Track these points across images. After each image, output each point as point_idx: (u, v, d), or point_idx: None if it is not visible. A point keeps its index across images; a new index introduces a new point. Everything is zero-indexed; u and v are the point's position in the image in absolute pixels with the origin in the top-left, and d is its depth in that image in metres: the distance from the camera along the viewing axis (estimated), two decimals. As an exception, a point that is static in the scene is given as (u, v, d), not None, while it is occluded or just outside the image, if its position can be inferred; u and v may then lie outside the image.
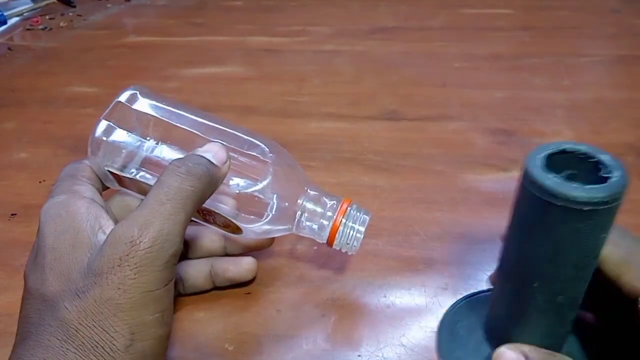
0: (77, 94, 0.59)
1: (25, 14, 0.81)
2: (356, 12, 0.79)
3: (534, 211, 0.23)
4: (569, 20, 0.73)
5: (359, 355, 0.30)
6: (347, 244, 0.32)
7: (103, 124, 0.30)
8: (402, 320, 0.32)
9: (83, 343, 0.23)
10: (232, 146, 0.30)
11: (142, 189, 0.31)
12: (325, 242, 0.32)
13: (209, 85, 0.60)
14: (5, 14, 0.76)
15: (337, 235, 0.31)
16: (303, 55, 0.66)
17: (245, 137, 0.31)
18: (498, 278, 0.28)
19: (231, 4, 0.83)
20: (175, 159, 0.26)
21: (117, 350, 0.23)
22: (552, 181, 0.21)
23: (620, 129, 0.50)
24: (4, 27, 0.77)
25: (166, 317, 0.25)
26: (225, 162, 0.28)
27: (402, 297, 0.34)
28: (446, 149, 0.47)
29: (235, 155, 0.30)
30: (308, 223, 0.32)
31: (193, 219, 0.31)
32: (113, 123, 0.30)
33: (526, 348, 0.26)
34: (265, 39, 0.71)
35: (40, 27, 0.77)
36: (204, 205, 0.29)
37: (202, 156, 0.27)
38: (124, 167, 0.30)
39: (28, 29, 0.77)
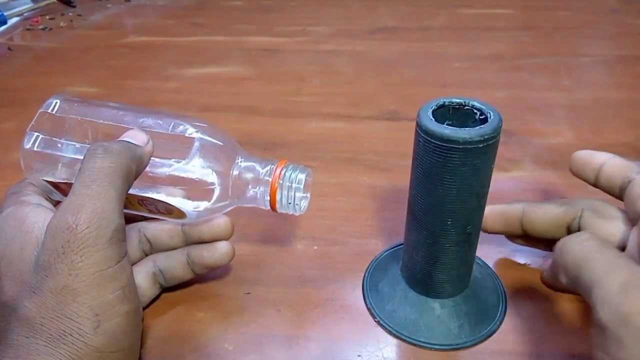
0: (77, 94, 0.59)
1: (25, 14, 0.81)
2: (356, 12, 0.79)
3: (438, 159, 0.26)
4: (569, 20, 0.73)
5: (359, 355, 0.30)
6: (289, 204, 0.32)
7: (31, 136, 0.30)
8: (402, 320, 0.32)
9: (51, 335, 0.23)
10: (157, 130, 0.30)
11: None
12: (269, 208, 0.32)
13: (209, 85, 0.60)
14: (5, 14, 0.76)
15: (277, 198, 0.31)
16: (303, 55, 0.66)
17: (170, 119, 0.31)
18: (410, 228, 0.31)
19: (231, 4, 0.83)
20: (91, 144, 0.27)
21: (86, 334, 0.23)
22: (448, 130, 0.26)
23: (620, 129, 0.50)
24: (4, 27, 0.77)
25: (128, 293, 0.25)
26: (147, 143, 0.28)
27: (402, 297, 0.34)
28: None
29: (163, 139, 0.30)
30: (249, 193, 0.32)
31: (137, 212, 0.32)
32: (42, 133, 0.30)
33: None
34: (265, 39, 0.71)
35: (40, 27, 0.77)
36: (142, 194, 0.29)
37: (119, 140, 0.28)
38: (65, 175, 0.30)
39: (28, 29, 0.77)
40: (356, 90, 0.58)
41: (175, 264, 0.33)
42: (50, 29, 0.77)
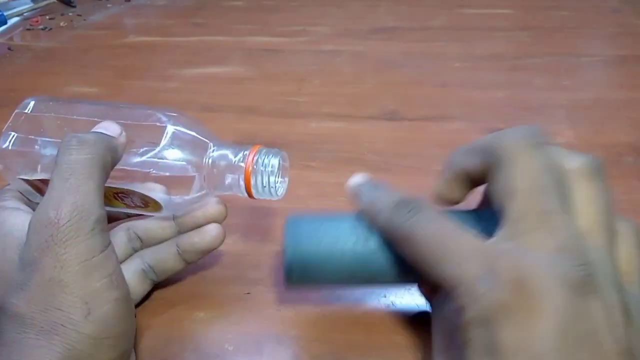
0: (77, 94, 0.59)
1: (25, 14, 0.81)
2: (356, 12, 0.79)
3: None
4: (569, 20, 0.73)
5: (359, 356, 0.30)
6: (265, 188, 0.31)
7: (7, 135, 0.30)
8: (402, 320, 0.32)
9: (42, 327, 0.23)
10: (129, 122, 0.30)
11: None
12: (246, 195, 0.32)
13: (209, 85, 0.60)
14: (5, 14, 0.76)
15: (251, 184, 0.31)
16: (303, 55, 0.66)
17: (143, 110, 0.31)
18: None
19: (231, 4, 0.83)
20: (65, 136, 0.27)
21: (77, 323, 0.24)
22: None
23: (620, 129, 0.50)
24: (4, 27, 0.77)
25: (115, 281, 0.25)
26: (120, 134, 0.28)
27: (402, 297, 0.34)
28: (446, 149, 0.47)
29: (135, 129, 0.30)
30: (225, 181, 0.31)
31: (114, 207, 0.32)
32: (19, 133, 0.30)
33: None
34: (265, 39, 0.71)
35: (40, 27, 0.77)
36: (118, 186, 0.30)
37: (92, 131, 0.28)
38: (43, 174, 0.30)
39: (28, 29, 0.77)
40: (356, 90, 0.58)
41: (164, 256, 0.33)
42: (50, 29, 0.77)
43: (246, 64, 0.65)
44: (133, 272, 0.32)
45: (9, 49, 0.71)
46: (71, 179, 0.25)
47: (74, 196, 0.25)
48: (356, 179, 0.31)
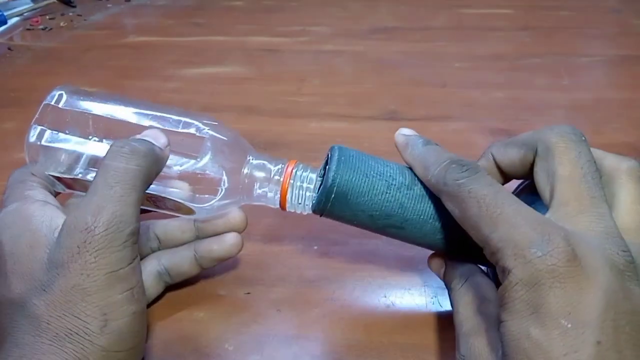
0: (77, 94, 0.59)
1: (25, 14, 0.80)
2: (356, 12, 0.79)
3: None
4: (569, 20, 0.73)
5: (359, 356, 0.30)
6: (299, 204, 0.31)
7: (35, 129, 0.30)
8: (402, 320, 0.32)
9: (57, 334, 0.23)
10: (168, 128, 0.30)
11: None
12: (278, 207, 0.32)
13: (209, 85, 0.60)
14: (5, 14, 0.76)
15: (287, 198, 0.31)
16: (303, 55, 0.66)
17: (180, 117, 0.31)
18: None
19: (231, 4, 0.83)
20: (117, 140, 0.26)
21: (92, 333, 0.23)
22: None
23: (621, 129, 0.50)
24: (4, 27, 0.77)
25: (136, 294, 0.25)
26: (167, 145, 0.28)
27: (402, 297, 0.34)
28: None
29: (173, 137, 0.30)
30: (259, 191, 0.32)
31: (145, 207, 0.31)
32: (46, 126, 0.30)
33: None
34: (265, 39, 0.71)
35: (40, 27, 0.77)
36: (152, 192, 0.29)
37: (142, 139, 0.27)
38: (69, 170, 0.30)
39: (28, 29, 0.77)
40: (356, 90, 0.58)
41: (181, 260, 0.33)
42: (50, 29, 0.77)
43: (246, 64, 0.65)
44: (148, 273, 0.32)
45: (9, 49, 0.71)
46: (116, 188, 0.25)
47: (116, 206, 0.24)
48: (405, 130, 0.31)
